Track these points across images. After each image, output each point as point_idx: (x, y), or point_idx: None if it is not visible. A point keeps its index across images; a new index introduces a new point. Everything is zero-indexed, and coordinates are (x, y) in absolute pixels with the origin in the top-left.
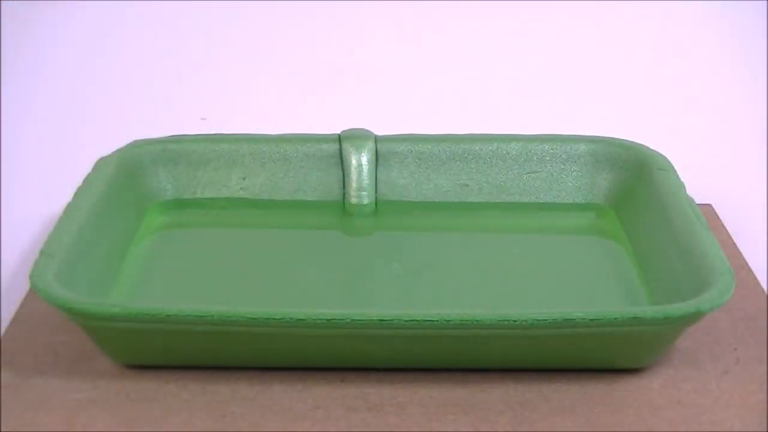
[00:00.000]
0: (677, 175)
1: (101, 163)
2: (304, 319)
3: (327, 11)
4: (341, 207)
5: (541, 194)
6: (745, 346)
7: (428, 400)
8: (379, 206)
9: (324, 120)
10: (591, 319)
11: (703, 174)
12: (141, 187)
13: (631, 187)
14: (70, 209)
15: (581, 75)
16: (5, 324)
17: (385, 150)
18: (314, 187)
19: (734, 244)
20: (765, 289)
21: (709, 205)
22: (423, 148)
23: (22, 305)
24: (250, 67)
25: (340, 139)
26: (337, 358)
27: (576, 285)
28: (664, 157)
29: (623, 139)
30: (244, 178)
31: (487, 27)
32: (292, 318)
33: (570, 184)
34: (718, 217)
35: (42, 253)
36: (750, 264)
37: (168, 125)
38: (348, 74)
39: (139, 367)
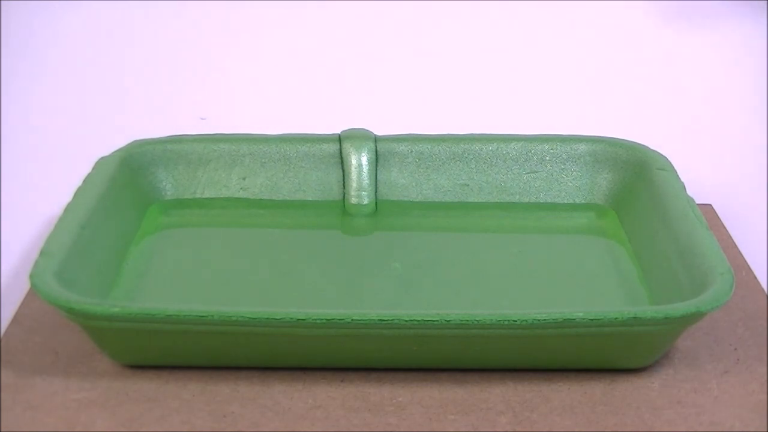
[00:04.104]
0: (677, 175)
1: (101, 163)
2: (304, 319)
3: (327, 11)
4: (341, 207)
5: (541, 194)
6: (745, 346)
7: (428, 400)
8: (379, 206)
9: (324, 120)
10: (591, 319)
11: (703, 174)
12: (141, 187)
13: (631, 187)
14: (70, 209)
15: (581, 75)
16: (5, 324)
17: (385, 150)
18: (314, 187)
19: (734, 244)
20: (765, 289)
21: (709, 205)
22: (423, 148)
23: (22, 305)
24: (250, 67)
25: (340, 139)
26: (337, 358)
27: (576, 285)
28: (664, 157)
29: (623, 139)
30: (244, 178)
31: (487, 27)
32: (292, 318)
33: (570, 184)
34: (718, 217)
35: (42, 253)
36: (750, 264)
37: (168, 125)
38: (348, 74)
39: (139, 367)
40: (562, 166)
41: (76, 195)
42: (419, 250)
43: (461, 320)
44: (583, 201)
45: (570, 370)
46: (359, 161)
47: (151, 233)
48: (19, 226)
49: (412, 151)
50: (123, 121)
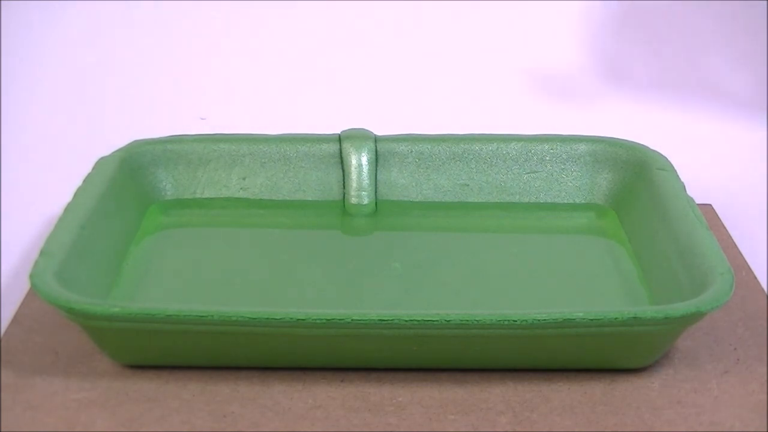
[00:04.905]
0: (677, 175)
1: (101, 163)
2: (304, 319)
3: (327, 11)
4: (341, 207)
5: (541, 194)
6: (745, 346)
7: (428, 400)
8: (379, 206)
9: (324, 120)
10: (591, 319)
11: (703, 174)
12: (141, 187)
13: (631, 187)
14: (70, 209)
15: (581, 75)
16: (5, 324)
17: (385, 150)
18: (314, 187)
19: (734, 244)
20: (765, 289)
21: (709, 205)
22: (423, 148)
23: (22, 305)
24: (250, 67)
25: (340, 139)
26: (337, 358)
27: (576, 285)
28: (664, 157)
29: (623, 139)
30: (244, 178)
31: (487, 27)
32: (292, 318)
33: (570, 184)
34: (718, 217)
35: (42, 253)
36: (750, 264)
37: (168, 125)
38: (348, 74)
39: (139, 367)
40: (562, 166)
41: (76, 195)
42: (419, 250)
43: (461, 320)
44: (583, 201)
45: (570, 370)
46: (359, 161)
47: (151, 233)
48: (19, 226)
49: (412, 151)
50: (123, 121)
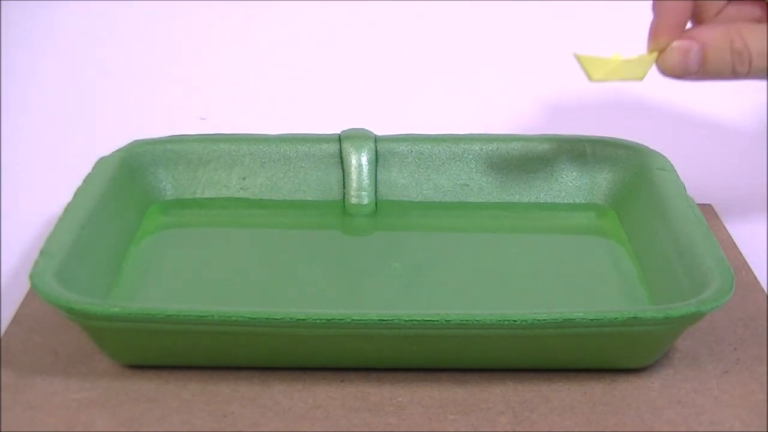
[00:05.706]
0: (677, 175)
1: (101, 163)
2: (304, 319)
3: (327, 11)
4: (341, 207)
5: (541, 194)
6: (745, 346)
7: (428, 400)
8: (379, 206)
9: (324, 120)
10: (591, 319)
11: (703, 174)
12: (141, 187)
13: (631, 187)
14: (70, 209)
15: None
16: (5, 324)
17: (385, 150)
18: (314, 187)
19: (734, 244)
20: (765, 289)
21: (709, 205)
22: (423, 148)
23: (22, 305)
24: (250, 67)
25: (340, 139)
26: (337, 358)
27: (576, 285)
28: (664, 157)
29: (623, 139)
30: (244, 178)
31: (487, 27)
32: (292, 318)
33: (570, 184)
34: (718, 217)
35: (42, 253)
36: (750, 264)
37: (168, 125)
38: (348, 74)
39: (139, 367)
40: (562, 166)
41: (76, 195)
42: (419, 250)
43: (461, 320)
44: (583, 201)
45: (570, 370)
46: (359, 161)
47: (151, 233)
48: (19, 226)
49: (412, 151)
50: (123, 121)
